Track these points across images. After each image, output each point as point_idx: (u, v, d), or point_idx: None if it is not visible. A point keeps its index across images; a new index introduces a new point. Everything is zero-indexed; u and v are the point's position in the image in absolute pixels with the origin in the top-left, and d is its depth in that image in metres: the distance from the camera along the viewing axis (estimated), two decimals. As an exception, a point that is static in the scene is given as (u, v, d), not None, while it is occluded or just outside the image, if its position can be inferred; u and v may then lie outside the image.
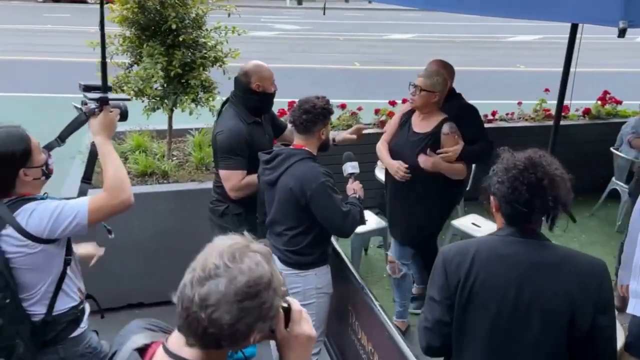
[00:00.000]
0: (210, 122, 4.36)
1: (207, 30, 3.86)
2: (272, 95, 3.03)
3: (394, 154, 3.26)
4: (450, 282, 1.74)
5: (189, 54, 3.66)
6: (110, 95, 2.13)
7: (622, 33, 1.88)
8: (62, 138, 2.05)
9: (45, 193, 2.03)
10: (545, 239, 1.74)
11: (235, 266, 1.10)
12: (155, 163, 4.02)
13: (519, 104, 5.84)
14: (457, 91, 3.51)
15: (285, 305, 1.20)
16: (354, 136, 3.40)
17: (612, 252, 4.31)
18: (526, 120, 5.71)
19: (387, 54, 14.77)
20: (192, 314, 1.08)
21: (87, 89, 2.11)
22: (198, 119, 4.18)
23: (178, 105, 3.71)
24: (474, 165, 4.25)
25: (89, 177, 2.15)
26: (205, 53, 3.74)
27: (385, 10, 23.46)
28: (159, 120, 4.35)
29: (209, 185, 3.80)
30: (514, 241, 1.71)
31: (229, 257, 1.10)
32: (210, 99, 3.78)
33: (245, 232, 1.21)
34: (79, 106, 2.11)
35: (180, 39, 3.61)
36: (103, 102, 2.06)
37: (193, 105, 3.67)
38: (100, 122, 2.05)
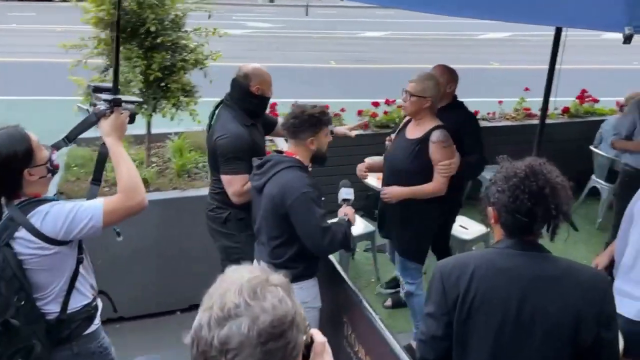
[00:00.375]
0: (191, 126, 4.24)
1: (186, 31, 3.72)
2: (269, 99, 3.01)
3: (386, 161, 3.20)
4: (449, 297, 1.69)
5: (169, 56, 3.51)
6: (123, 97, 2.11)
7: (627, 39, 1.82)
8: (69, 138, 2.05)
9: (56, 194, 2.05)
10: (546, 251, 1.70)
11: (257, 304, 0.99)
12: (134, 170, 3.87)
13: (500, 102, 5.86)
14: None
15: (306, 339, 1.11)
16: (353, 133, 3.42)
17: (595, 251, 4.34)
18: (507, 119, 5.74)
19: (362, 52, 14.75)
20: (211, 358, 0.98)
21: (97, 90, 2.12)
22: (180, 124, 4.05)
23: (158, 110, 3.57)
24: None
25: (99, 179, 2.13)
26: (186, 56, 3.60)
27: (357, 8, 23.46)
28: (135, 125, 4.17)
29: (192, 193, 3.68)
30: (514, 254, 1.67)
31: (249, 294, 1.00)
32: (193, 103, 3.64)
33: (262, 262, 1.12)
34: (86, 107, 2.09)
35: (159, 40, 3.46)
36: (116, 104, 2.03)
37: (174, 110, 3.52)
38: (112, 123, 2.03)
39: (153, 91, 3.52)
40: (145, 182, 3.78)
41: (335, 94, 8.45)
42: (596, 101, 6.01)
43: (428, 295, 1.81)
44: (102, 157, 2.10)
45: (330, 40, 16.49)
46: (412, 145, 3.05)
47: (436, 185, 2.98)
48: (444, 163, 2.93)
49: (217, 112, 3.01)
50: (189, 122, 4.05)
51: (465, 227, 4.06)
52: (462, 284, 1.66)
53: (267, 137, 3.47)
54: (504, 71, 12.72)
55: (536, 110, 6.01)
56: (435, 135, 2.96)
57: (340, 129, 3.45)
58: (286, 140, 2.66)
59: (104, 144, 2.06)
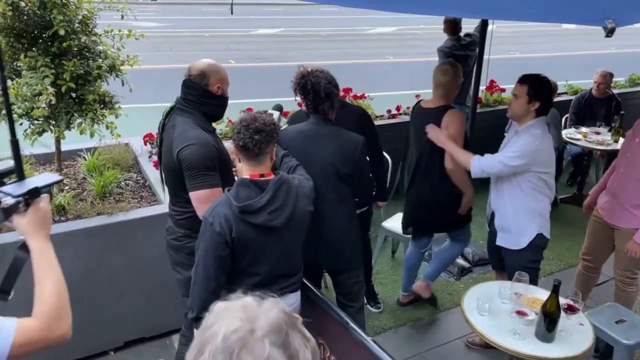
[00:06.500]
0: (106, 140, 3.74)
1: (97, 35, 3.24)
2: (228, 100, 2.60)
3: None
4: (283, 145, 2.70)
5: (82, 63, 3.02)
6: (35, 180, 1.49)
7: (610, 32, 1.85)
8: (6, 291, 1.44)
9: None
10: (332, 124, 2.72)
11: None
12: (45, 196, 3.32)
13: (417, 97, 5.93)
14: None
15: None
16: None
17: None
18: (426, 112, 5.81)
19: (259, 50, 14.47)
20: None
21: None
22: (89, 138, 3.55)
23: (73, 126, 3.06)
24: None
25: (7, 291, 1.45)
26: (102, 62, 3.13)
27: (246, 5, 23.06)
28: (38, 142, 3.59)
29: (122, 217, 3.23)
30: (312, 122, 2.72)
31: None
32: (115, 116, 3.19)
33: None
34: None
35: (65, 45, 2.96)
36: (34, 195, 1.45)
37: (93, 125, 3.03)
38: (32, 220, 1.44)
39: (65, 104, 3.00)
40: (63, 208, 3.27)
41: (243, 94, 8.13)
42: (502, 90, 6.33)
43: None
44: (18, 265, 1.45)
45: (223, 38, 15.99)
46: None
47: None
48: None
49: (167, 119, 2.57)
50: (98, 135, 3.55)
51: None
52: (286, 139, 2.68)
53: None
54: (401, 64, 13.15)
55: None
56: None
57: None
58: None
59: (21, 245, 1.45)
